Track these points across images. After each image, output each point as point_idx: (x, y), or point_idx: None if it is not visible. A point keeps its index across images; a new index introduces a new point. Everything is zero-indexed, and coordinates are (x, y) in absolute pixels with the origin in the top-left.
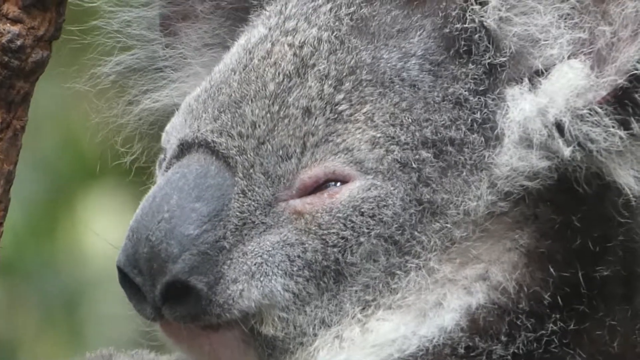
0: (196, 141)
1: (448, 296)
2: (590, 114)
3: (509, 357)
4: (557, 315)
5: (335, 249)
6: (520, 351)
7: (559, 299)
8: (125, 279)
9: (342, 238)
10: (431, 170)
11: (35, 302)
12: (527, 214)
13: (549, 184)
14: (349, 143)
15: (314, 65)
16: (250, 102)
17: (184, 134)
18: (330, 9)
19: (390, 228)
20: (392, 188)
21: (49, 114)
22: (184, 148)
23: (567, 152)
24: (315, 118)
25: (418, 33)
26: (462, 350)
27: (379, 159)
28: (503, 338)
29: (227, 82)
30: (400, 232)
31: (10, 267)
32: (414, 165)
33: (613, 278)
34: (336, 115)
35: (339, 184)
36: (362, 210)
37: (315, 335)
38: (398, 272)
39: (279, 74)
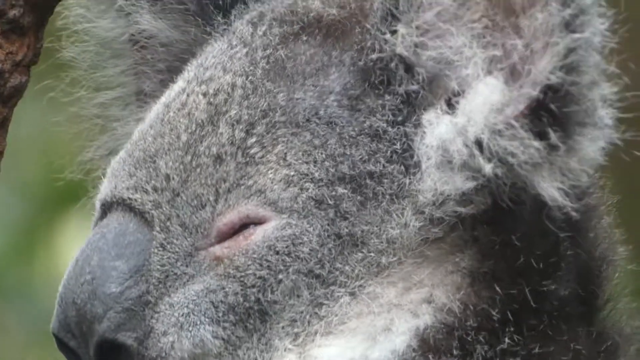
0: (114, 200)
1: (396, 320)
2: (507, 128)
3: None
4: (511, 329)
5: (254, 289)
6: None
7: (509, 315)
8: (61, 344)
9: (260, 278)
10: (349, 204)
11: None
12: (465, 238)
13: (483, 208)
14: (260, 184)
15: (226, 111)
16: (164, 155)
17: (104, 195)
18: (247, 54)
19: (309, 264)
20: (307, 225)
21: (29, 138)
22: (105, 208)
23: (488, 168)
24: (227, 164)
25: (337, 69)
26: None
27: (293, 198)
28: (455, 352)
29: (144, 137)
30: (319, 266)
31: None
32: (330, 202)
33: (571, 297)
34: (247, 159)
35: (255, 226)
36: (277, 249)
37: None
38: (325, 301)
39: (192, 123)
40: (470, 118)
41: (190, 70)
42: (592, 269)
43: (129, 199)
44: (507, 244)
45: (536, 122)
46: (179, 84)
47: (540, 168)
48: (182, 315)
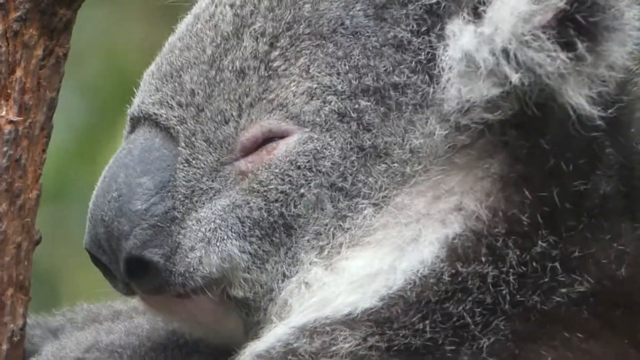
0: (141, 115)
1: (423, 231)
2: (534, 39)
3: (509, 278)
4: (544, 231)
5: (277, 204)
6: (519, 269)
7: (540, 218)
8: (94, 259)
9: (282, 192)
10: (372, 116)
11: (76, 226)
12: (495, 143)
13: (510, 113)
14: (282, 98)
15: (251, 24)
16: (189, 70)
17: (133, 109)
18: None
19: (331, 177)
20: (330, 139)
21: (92, 41)
22: (134, 123)
23: (514, 78)
24: (249, 78)
25: None
26: (447, 278)
27: (316, 111)
28: (484, 259)
29: (171, 50)
30: (342, 179)
31: (53, 194)
32: (352, 115)
33: (612, 193)
34: (270, 72)
35: (278, 140)
36: (299, 164)
37: (281, 289)
38: (349, 214)
39: (217, 36)
40: (497, 27)
41: None
42: (634, 164)
43: (155, 114)
44: (537, 147)
45: (563, 33)
46: None
47: (567, 78)
48: (210, 230)
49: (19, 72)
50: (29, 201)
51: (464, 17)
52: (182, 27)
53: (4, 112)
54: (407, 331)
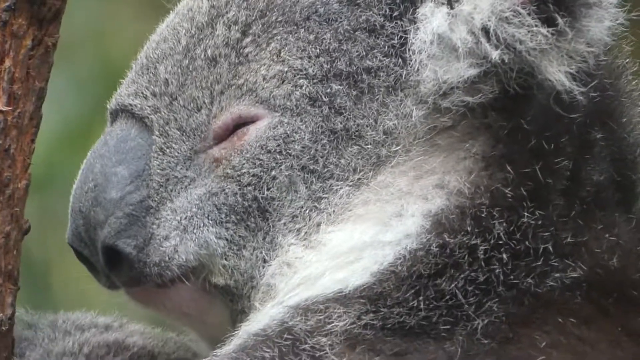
0: (118, 107)
1: (406, 206)
2: (514, 15)
3: (501, 255)
4: (529, 204)
5: (249, 187)
6: (509, 245)
7: (524, 192)
8: (77, 253)
9: (254, 176)
10: (344, 99)
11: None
12: (476, 125)
13: (491, 96)
14: (251, 83)
15: (225, 13)
16: (164, 60)
17: (111, 103)
18: None
19: (302, 160)
20: (300, 123)
21: (82, 30)
22: (112, 117)
23: (495, 55)
24: (220, 65)
25: None
26: (435, 249)
27: (287, 95)
28: (470, 229)
29: (150, 45)
30: (313, 161)
31: (43, 184)
32: (324, 99)
33: (606, 182)
34: (240, 59)
35: (249, 125)
36: (269, 147)
37: (262, 275)
38: (323, 195)
39: (192, 27)
40: (476, 5)
41: None
42: (626, 154)
43: (130, 104)
44: (518, 128)
45: (543, 8)
46: None
47: (547, 53)
48: (186, 218)
49: (7, 62)
50: (17, 191)
51: (435, 0)
52: (162, 23)
53: None
54: (401, 309)
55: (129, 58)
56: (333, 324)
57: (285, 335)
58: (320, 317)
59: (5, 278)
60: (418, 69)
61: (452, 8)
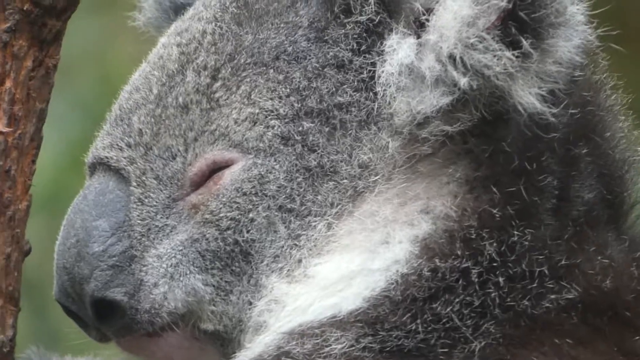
0: (95, 161)
1: (392, 233)
2: (479, 41)
3: (497, 279)
4: (518, 222)
5: (229, 232)
6: (504, 269)
7: (511, 210)
8: (66, 309)
9: (232, 219)
10: (317, 137)
11: None
12: (457, 151)
13: (470, 124)
14: (223, 127)
15: (195, 59)
16: (137, 110)
17: (88, 157)
18: (219, 0)
19: (278, 200)
20: (274, 163)
21: (83, 51)
22: (90, 169)
23: (463, 82)
24: (192, 112)
25: (305, 3)
26: (427, 273)
27: (259, 137)
28: (460, 252)
29: (123, 95)
30: (289, 200)
31: (45, 205)
32: (297, 137)
33: (596, 200)
34: (212, 104)
35: (224, 170)
36: (244, 190)
37: (249, 318)
38: (302, 232)
39: (163, 75)
40: (442, 34)
41: (173, 24)
42: (612, 170)
43: (106, 157)
44: (499, 150)
45: (507, 32)
46: (162, 39)
47: (515, 77)
48: (171, 265)
49: (8, 83)
50: (18, 212)
51: (400, 31)
52: (135, 73)
53: None
54: (399, 332)
55: (128, 78)
56: (331, 347)
57: (282, 358)
58: (317, 341)
59: (6, 299)
60: (389, 102)
61: (418, 37)
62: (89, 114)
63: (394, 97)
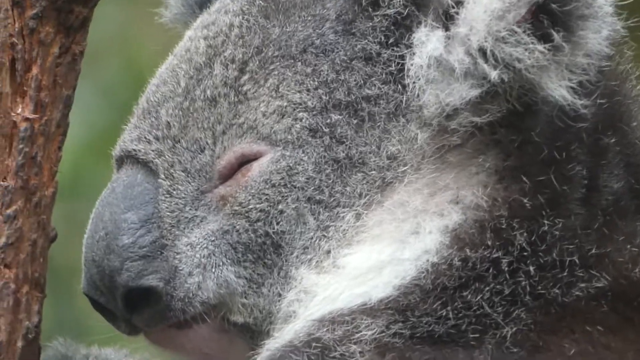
0: (122, 154)
1: (422, 224)
2: (510, 34)
3: (528, 268)
4: (549, 211)
5: (259, 223)
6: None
7: (542, 200)
8: (93, 302)
9: (261, 211)
10: (345, 129)
11: None
12: (486, 141)
13: (499, 115)
14: (251, 120)
15: (222, 52)
16: (164, 103)
17: (116, 150)
18: None
19: (307, 191)
20: (302, 155)
21: (109, 38)
22: (117, 163)
23: (494, 75)
24: (220, 105)
25: None
26: (458, 263)
27: (287, 129)
28: (490, 243)
29: (150, 88)
30: (318, 192)
31: (69, 192)
32: (324, 129)
33: (624, 190)
34: (240, 97)
35: (252, 162)
36: (273, 182)
37: (279, 310)
38: (331, 223)
39: (190, 68)
40: (472, 27)
41: (200, 17)
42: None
43: (134, 150)
44: (528, 141)
45: (538, 25)
46: (189, 32)
47: (547, 70)
48: (204, 256)
49: (35, 70)
50: (44, 198)
51: (429, 24)
52: (162, 67)
53: (19, 110)
54: (430, 318)
55: (155, 65)
56: (361, 333)
57: (313, 344)
58: (348, 328)
59: (32, 286)
60: (418, 94)
61: (447, 30)
62: (113, 101)
63: (423, 90)
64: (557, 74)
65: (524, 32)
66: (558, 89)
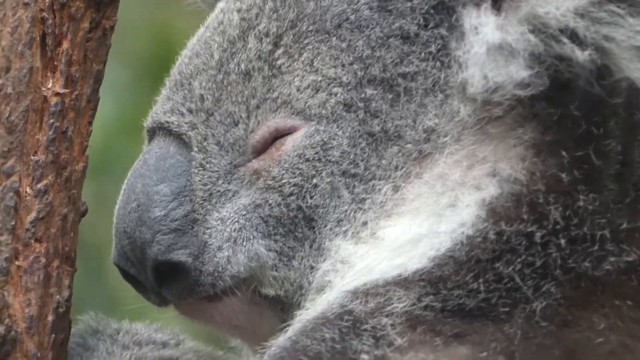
0: (154, 125)
1: (460, 196)
2: (604, 13)
3: (559, 241)
4: (584, 187)
5: (292, 197)
6: (566, 231)
7: (579, 175)
8: (124, 273)
9: (295, 185)
10: (379, 103)
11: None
12: (526, 114)
13: (541, 89)
14: (285, 95)
15: (256, 25)
16: (198, 76)
17: (147, 122)
18: None
19: (342, 165)
20: (337, 129)
21: (139, 13)
22: (149, 135)
23: (582, 56)
24: (254, 79)
25: None
26: (493, 236)
27: (322, 104)
28: (526, 217)
29: (182, 60)
30: (353, 165)
31: (99, 168)
32: (359, 104)
33: None
34: (274, 71)
35: (286, 136)
36: (307, 156)
37: (311, 283)
38: (367, 196)
39: (224, 41)
40: (557, 5)
41: None
42: None
43: (167, 122)
44: (567, 115)
45: (631, 1)
46: (220, 4)
47: (635, 50)
48: (235, 230)
49: (65, 45)
50: (75, 173)
51: (483, 7)
52: (193, 38)
53: (50, 84)
54: (461, 291)
55: (184, 42)
56: (393, 305)
57: (345, 317)
58: (380, 300)
59: (63, 260)
60: (465, 74)
61: (499, 10)
62: (143, 77)
63: (473, 73)
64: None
65: (619, 8)
66: (638, 70)
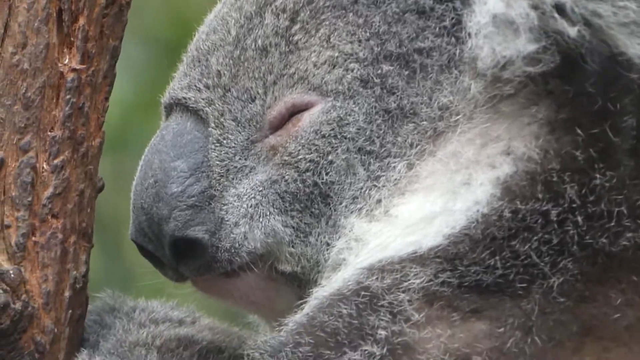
0: (172, 101)
1: (474, 174)
2: None
3: (576, 218)
4: (600, 165)
5: (308, 173)
6: (583, 209)
7: (594, 153)
8: (141, 249)
9: (311, 161)
10: (396, 80)
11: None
12: (539, 92)
13: (553, 65)
14: (302, 71)
15: (273, 1)
16: (215, 52)
17: (164, 98)
18: None
19: (358, 142)
20: (353, 106)
21: None
22: (167, 110)
23: (573, 31)
24: (271, 55)
25: None
26: (508, 215)
27: (338, 80)
28: (541, 195)
29: (199, 36)
30: (369, 142)
31: (115, 144)
32: (376, 80)
33: None
34: (290, 47)
35: (303, 112)
36: (323, 132)
37: (327, 259)
38: (382, 173)
39: (241, 17)
40: None
41: None
42: None
43: (184, 98)
44: (582, 92)
45: None
46: None
47: (627, 26)
48: (251, 206)
49: (82, 20)
50: (91, 149)
51: None
52: (210, 15)
53: (67, 60)
54: (478, 267)
55: (200, 18)
56: (410, 282)
57: (362, 293)
58: (397, 276)
59: (80, 236)
60: (474, 46)
61: None
62: (159, 53)
63: (481, 46)
64: (635, 31)
65: None
66: (635, 47)
